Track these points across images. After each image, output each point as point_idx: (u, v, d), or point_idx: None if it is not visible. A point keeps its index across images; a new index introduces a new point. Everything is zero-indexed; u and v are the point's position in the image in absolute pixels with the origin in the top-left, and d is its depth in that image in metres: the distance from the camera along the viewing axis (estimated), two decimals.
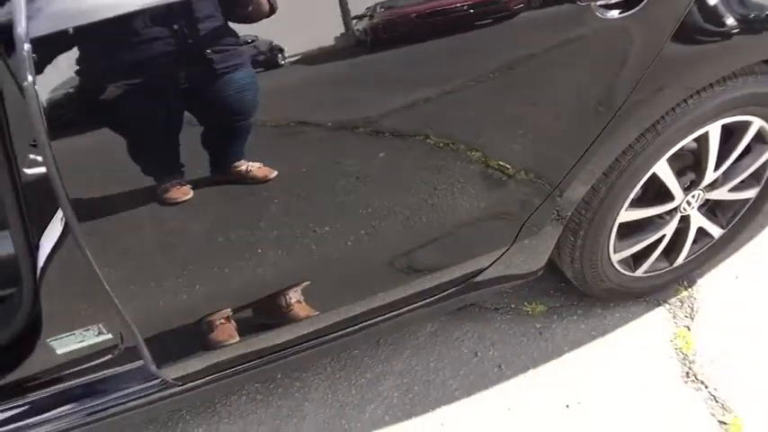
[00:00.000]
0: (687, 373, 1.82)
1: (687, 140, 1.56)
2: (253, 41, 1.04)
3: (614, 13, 1.23)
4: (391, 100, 1.19)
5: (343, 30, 1.08)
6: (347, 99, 1.17)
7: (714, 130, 1.58)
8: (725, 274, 2.07)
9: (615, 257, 1.77)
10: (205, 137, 1.09)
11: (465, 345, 1.92)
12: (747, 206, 1.89)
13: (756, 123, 1.64)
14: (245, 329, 1.40)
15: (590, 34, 1.23)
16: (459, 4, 1.14)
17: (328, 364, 1.90)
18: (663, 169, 1.59)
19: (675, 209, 1.75)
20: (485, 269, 1.57)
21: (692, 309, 1.99)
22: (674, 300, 2.02)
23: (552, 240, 1.60)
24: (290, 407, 1.80)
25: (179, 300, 1.27)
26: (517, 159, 1.39)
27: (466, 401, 1.79)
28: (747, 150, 1.75)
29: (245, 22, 1.02)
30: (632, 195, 1.61)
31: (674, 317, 1.97)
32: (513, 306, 2.01)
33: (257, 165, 1.15)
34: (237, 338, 1.38)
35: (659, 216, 1.76)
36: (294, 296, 1.41)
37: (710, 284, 2.04)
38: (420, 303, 1.55)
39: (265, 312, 1.43)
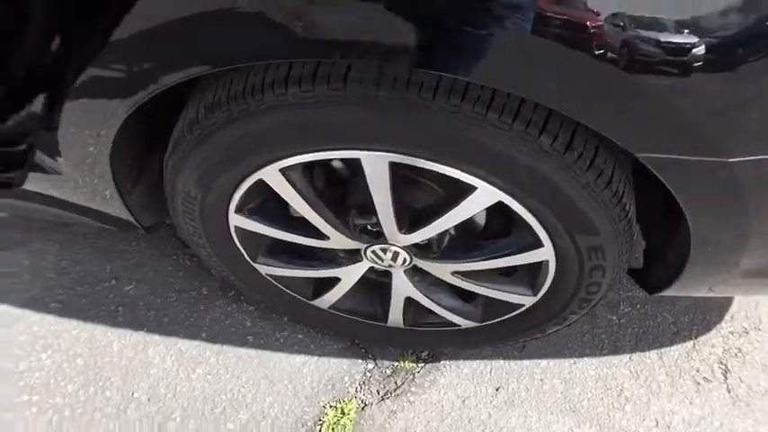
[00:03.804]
0: None
1: (314, 156, 0.87)
2: None
3: None
4: None
5: None
6: None
7: (374, 164, 0.86)
8: (482, 376, 1.37)
9: (261, 268, 1.19)
10: None
11: (109, 269, 1.50)
12: (517, 312, 1.14)
13: (488, 194, 0.87)
14: None
15: None
16: None
17: None
18: (275, 180, 0.93)
19: (355, 252, 1.09)
20: None
21: (395, 387, 1.36)
22: (387, 363, 1.39)
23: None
24: None
25: None
26: None
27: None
28: (505, 230, 1.00)
29: None
30: (237, 197, 0.99)
31: (364, 384, 1.37)
32: None
33: None
34: None
35: (336, 251, 1.12)
36: None
37: (451, 375, 1.37)
38: None
39: None
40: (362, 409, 1.34)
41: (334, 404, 1.34)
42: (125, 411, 1.31)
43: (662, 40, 0.69)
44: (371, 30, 0.71)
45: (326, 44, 0.74)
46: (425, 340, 1.35)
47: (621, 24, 0.70)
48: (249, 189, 0.97)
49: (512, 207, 0.88)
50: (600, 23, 0.69)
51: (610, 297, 1.47)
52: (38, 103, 0.95)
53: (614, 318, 1.46)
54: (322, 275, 1.17)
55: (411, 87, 0.76)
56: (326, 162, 1.03)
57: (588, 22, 0.69)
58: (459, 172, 0.84)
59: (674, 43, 0.69)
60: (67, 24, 0.84)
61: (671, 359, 1.40)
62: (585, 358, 1.40)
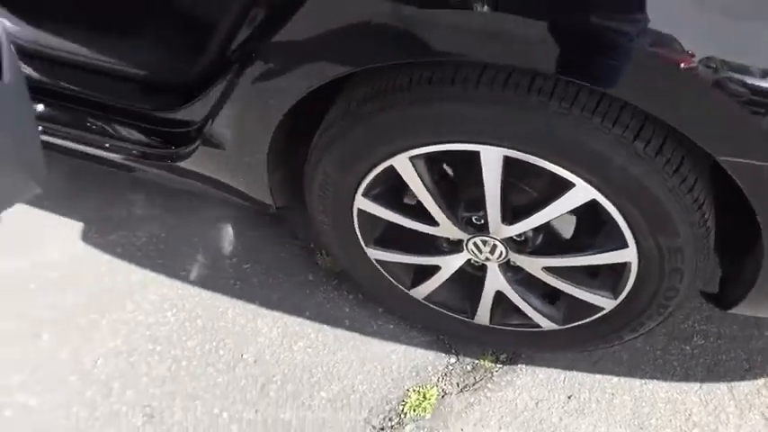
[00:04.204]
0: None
1: (442, 146, 1.06)
2: None
3: None
4: None
5: None
6: None
7: (490, 156, 1.03)
8: (555, 384, 1.47)
9: (371, 253, 1.37)
10: None
11: (231, 249, 1.72)
12: (597, 316, 1.26)
13: (584, 191, 1.02)
14: None
15: None
16: None
17: None
18: (404, 167, 1.12)
19: (458, 243, 1.25)
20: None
21: (474, 382, 1.49)
22: (468, 360, 1.52)
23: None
24: None
25: None
26: None
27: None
28: (594, 231, 1.14)
29: None
30: (367, 181, 1.18)
31: (445, 376, 1.50)
32: (311, 245, 1.72)
33: None
34: None
35: (441, 240, 1.29)
36: None
37: (526, 378, 1.48)
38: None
39: None
40: (442, 397, 1.47)
41: (417, 389, 1.47)
42: (234, 369, 1.50)
43: (748, 82, 0.85)
44: (512, 42, 0.90)
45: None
46: (507, 340, 1.47)
47: (714, 66, 0.85)
48: (378, 174, 1.16)
49: (603, 206, 1.03)
50: (696, 65, 0.85)
51: (683, 329, 1.56)
52: (220, 89, 1.19)
53: (687, 348, 1.53)
54: (425, 263, 1.33)
55: (532, 92, 0.94)
56: (440, 160, 1.21)
57: (683, 64, 0.86)
58: (561, 169, 1.01)
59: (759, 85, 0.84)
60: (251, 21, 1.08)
61: (741, 393, 1.46)
62: (656, 380, 1.48)
